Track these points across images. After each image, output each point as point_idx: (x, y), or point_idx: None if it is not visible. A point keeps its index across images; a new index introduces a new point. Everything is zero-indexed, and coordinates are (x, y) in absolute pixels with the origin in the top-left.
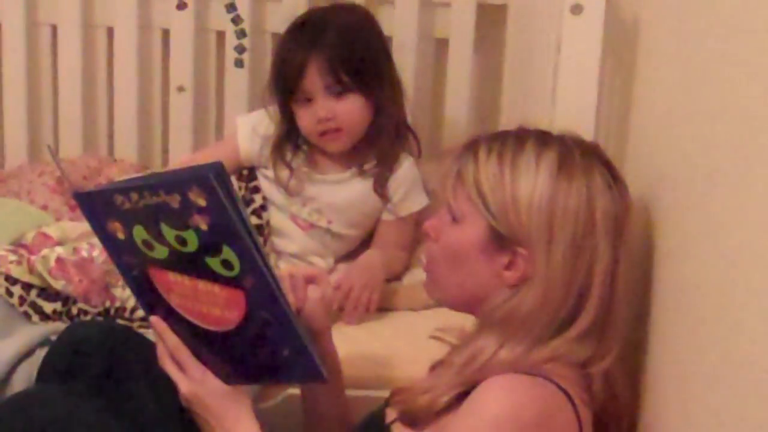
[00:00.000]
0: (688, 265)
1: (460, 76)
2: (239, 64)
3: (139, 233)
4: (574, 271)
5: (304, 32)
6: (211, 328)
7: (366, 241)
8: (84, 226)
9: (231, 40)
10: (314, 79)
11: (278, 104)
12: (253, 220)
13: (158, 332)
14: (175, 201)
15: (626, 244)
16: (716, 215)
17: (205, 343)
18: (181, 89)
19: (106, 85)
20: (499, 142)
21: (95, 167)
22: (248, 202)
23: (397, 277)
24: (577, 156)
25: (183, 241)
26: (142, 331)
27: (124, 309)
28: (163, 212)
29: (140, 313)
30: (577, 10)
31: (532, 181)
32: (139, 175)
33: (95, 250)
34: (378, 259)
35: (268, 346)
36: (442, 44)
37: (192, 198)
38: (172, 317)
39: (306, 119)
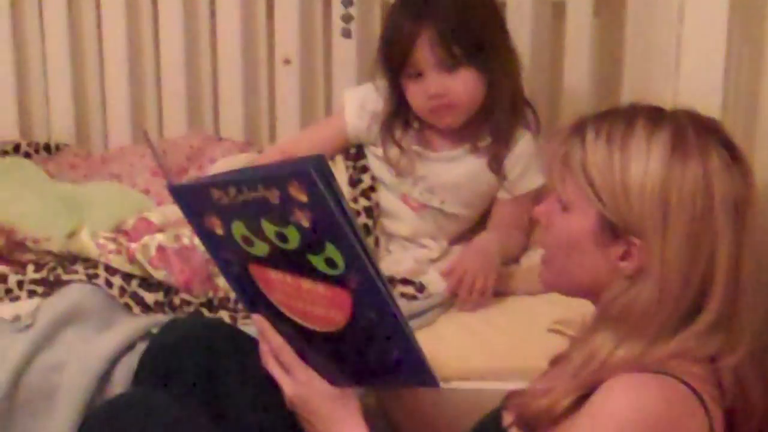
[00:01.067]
0: None
1: (580, 43)
2: (347, 33)
3: (239, 229)
4: (694, 260)
5: (414, 3)
6: (316, 328)
7: (481, 222)
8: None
9: (337, 9)
10: (425, 52)
11: (387, 79)
12: (362, 202)
13: (261, 331)
14: (274, 196)
15: (751, 229)
16: None
17: (310, 343)
18: (287, 62)
19: (210, 59)
20: (608, 123)
21: (198, 146)
22: (356, 182)
23: (515, 259)
24: (692, 135)
25: (284, 238)
26: (244, 325)
27: (227, 299)
28: (262, 208)
29: None
30: None
31: (643, 165)
32: (238, 168)
33: (197, 238)
34: (494, 242)
35: (376, 347)
36: (559, 8)
37: (292, 193)
38: (274, 315)
39: (416, 95)
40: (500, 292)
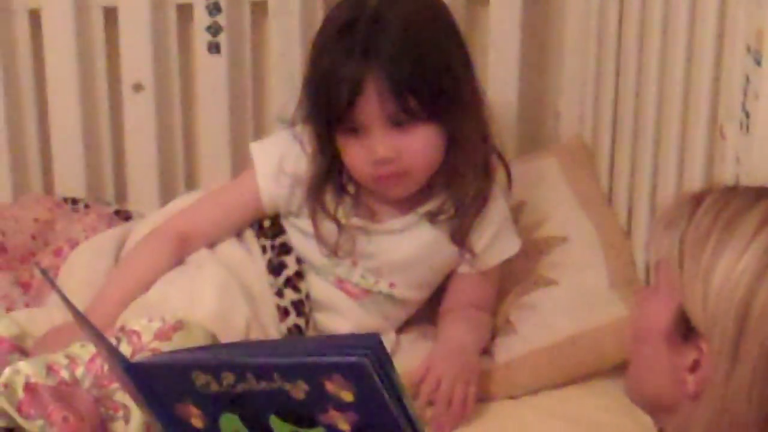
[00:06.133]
0: None
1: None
2: (214, 49)
3: (230, 423)
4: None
5: (355, 35)
6: None
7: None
8: (51, 316)
9: (201, 19)
10: (371, 105)
11: (315, 132)
12: (289, 295)
13: None
14: (299, 390)
15: None
16: None
17: None
18: (138, 88)
19: (34, 87)
20: (728, 199)
21: (45, 220)
22: (278, 268)
23: (486, 351)
24: None
25: None
26: None
27: None
28: (275, 402)
29: None
30: None
31: (735, 258)
32: (237, 342)
33: (79, 367)
34: (470, 338)
35: None
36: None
37: (330, 390)
38: None
39: (357, 157)
40: (477, 398)
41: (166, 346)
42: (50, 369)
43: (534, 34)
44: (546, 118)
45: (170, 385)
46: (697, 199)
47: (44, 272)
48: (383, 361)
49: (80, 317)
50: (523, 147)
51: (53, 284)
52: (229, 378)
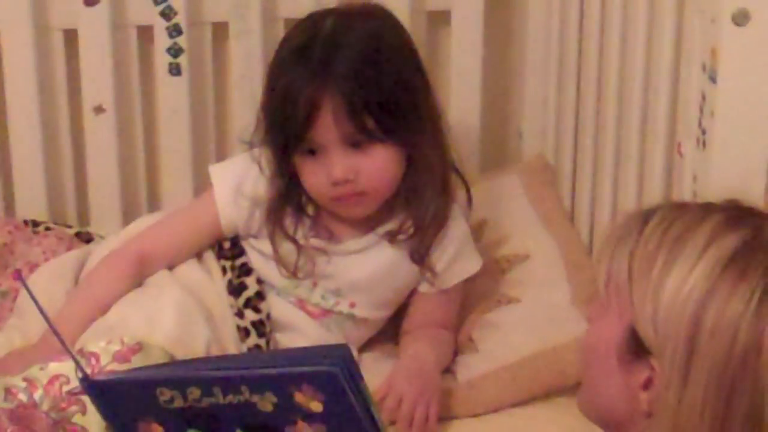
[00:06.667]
0: None
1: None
2: (175, 70)
3: None
4: (721, 415)
5: (311, 57)
6: None
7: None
8: (10, 340)
9: (162, 40)
10: (327, 126)
11: (273, 154)
12: (249, 315)
13: None
14: (266, 403)
15: None
16: None
17: None
18: (99, 110)
19: None
20: (677, 214)
21: (5, 242)
22: (238, 289)
23: (448, 369)
24: (765, 252)
25: None
26: None
27: None
28: (242, 415)
29: None
30: (742, 18)
31: (684, 273)
32: (198, 357)
33: (37, 390)
34: (430, 356)
35: None
36: (441, 17)
37: (300, 401)
38: None
39: (315, 178)
40: (439, 417)
41: (124, 368)
42: (8, 392)
43: (496, 54)
44: (509, 138)
45: (132, 402)
46: (646, 216)
47: (22, 279)
48: (353, 371)
49: (52, 328)
50: (487, 166)
51: (31, 294)
52: (194, 393)
